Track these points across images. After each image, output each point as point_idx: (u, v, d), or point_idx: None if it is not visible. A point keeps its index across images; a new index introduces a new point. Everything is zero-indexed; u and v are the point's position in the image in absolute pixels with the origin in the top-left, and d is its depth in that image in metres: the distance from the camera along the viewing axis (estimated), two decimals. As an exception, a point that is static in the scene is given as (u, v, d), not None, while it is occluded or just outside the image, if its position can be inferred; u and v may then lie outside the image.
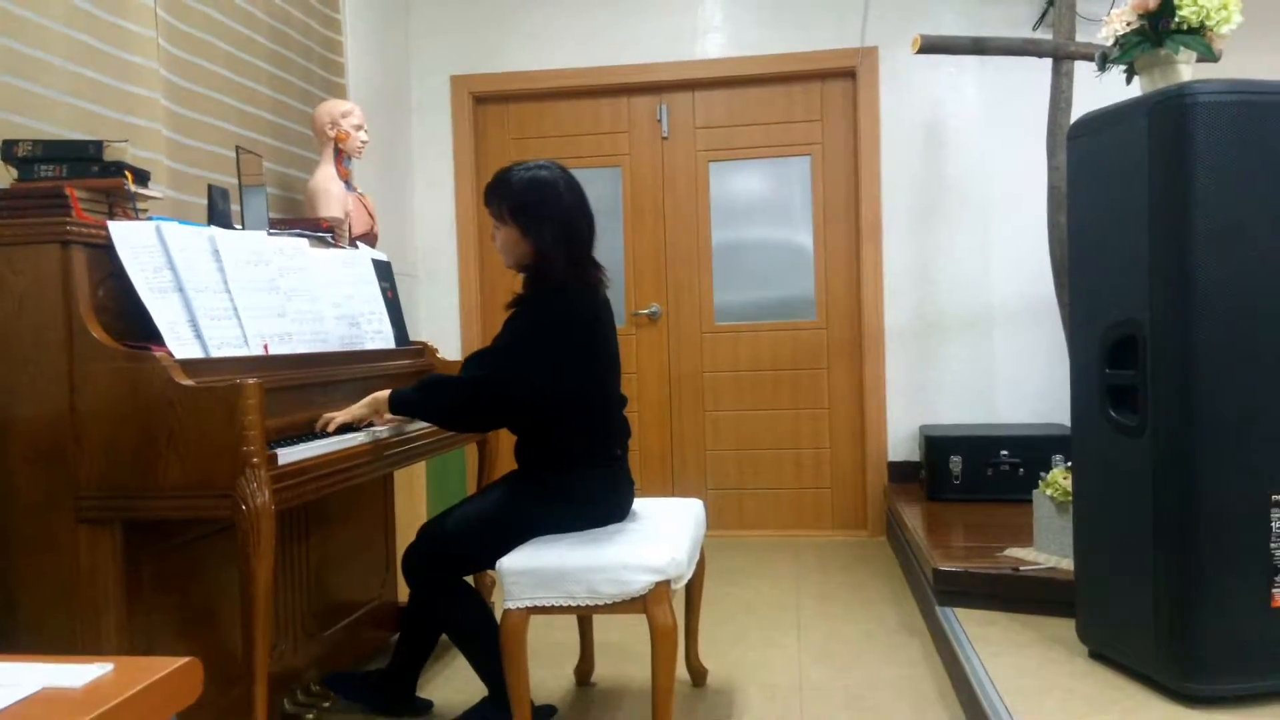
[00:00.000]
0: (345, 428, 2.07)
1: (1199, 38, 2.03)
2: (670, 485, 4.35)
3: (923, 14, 4.07)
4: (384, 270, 2.69)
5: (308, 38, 3.29)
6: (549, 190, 2.10)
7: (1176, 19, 2.02)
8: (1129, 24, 2.09)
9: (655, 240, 4.38)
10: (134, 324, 1.76)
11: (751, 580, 3.55)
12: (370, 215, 3.20)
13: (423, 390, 2.09)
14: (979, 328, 4.12)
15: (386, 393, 2.11)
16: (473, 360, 2.11)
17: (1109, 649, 2.12)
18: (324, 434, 2.01)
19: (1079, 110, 2.56)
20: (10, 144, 1.86)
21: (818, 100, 4.27)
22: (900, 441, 4.18)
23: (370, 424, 2.13)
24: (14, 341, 1.68)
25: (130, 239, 1.78)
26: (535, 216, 2.10)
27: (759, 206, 4.33)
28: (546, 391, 2.09)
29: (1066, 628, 2.30)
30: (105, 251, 1.74)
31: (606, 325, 2.21)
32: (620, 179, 4.39)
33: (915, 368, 4.16)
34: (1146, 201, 1.95)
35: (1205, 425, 1.88)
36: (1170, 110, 1.89)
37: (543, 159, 2.18)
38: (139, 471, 1.66)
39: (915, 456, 4.13)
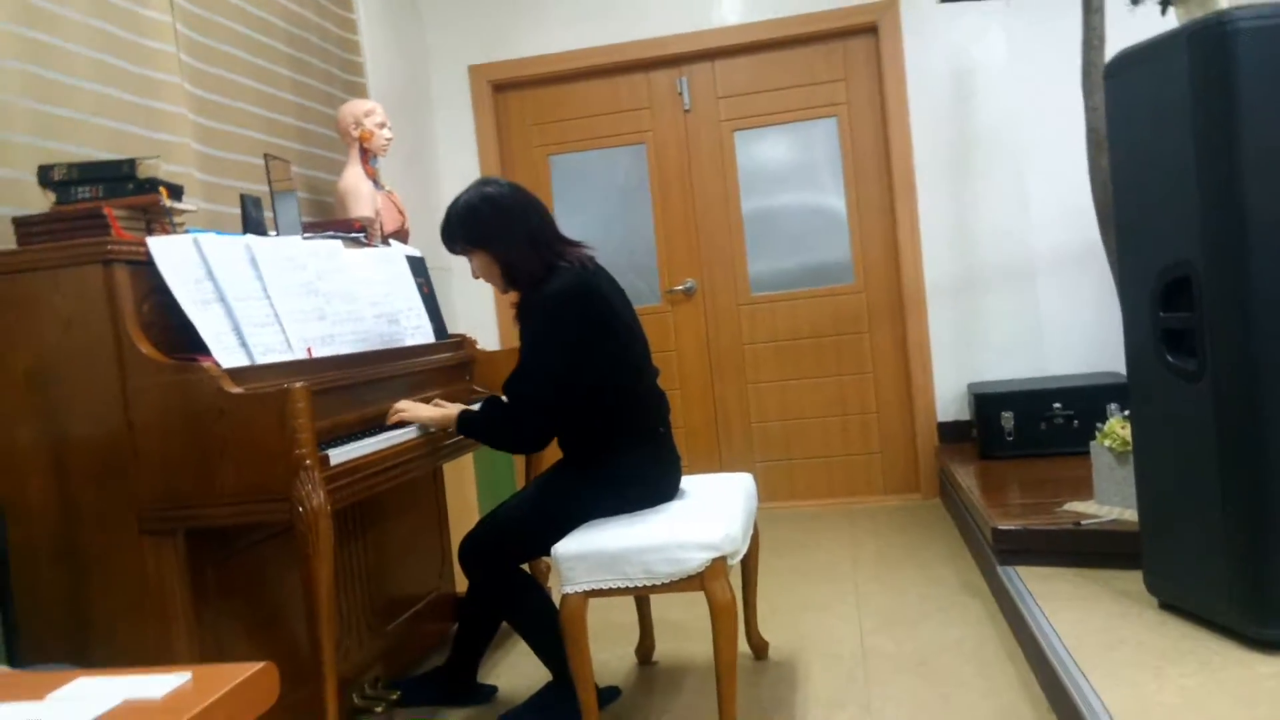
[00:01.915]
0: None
1: (1237, -39, 1.95)
2: (718, 460, 4.34)
3: (943, -38, 3.97)
4: (418, 266, 2.70)
5: (325, 40, 3.30)
6: (487, 205, 2.16)
7: (1213, -57, 1.94)
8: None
9: (685, 215, 4.35)
10: (180, 336, 1.79)
11: (807, 550, 3.54)
12: (400, 212, 3.21)
13: (487, 421, 2.12)
14: (1022, 279, 4.03)
15: (456, 411, 2.14)
16: (511, 385, 2.12)
17: (1179, 599, 2.07)
18: (373, 431, 2.02)
19: (1113, 48, 2.48)
20: (46, 169, 1.89)
21: (840, 59, 4.19)
22: (949, 401, 4.12)
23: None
24: (66, 362, 1.71)
25: (170, 254, 1.79)
26: (490, 234, 2.16)
27: (787, 172, 4.27)
28: (584, 380, 2.09)
29: (1134, 580, 2.26)
30: (146, 268, 1.76)
31: (612, 295, 2.19)
32: (645, 156, 4.35)
33: (960, 325, 4.10)
34: (1192, 137, 1.88)
35: (1267, 365, 1.81)
36: (1210, 39, 1.82)
37: (471, 182, 2.23)
38: (196, 481, 1.68)
39: (965, 415, 4.07)
